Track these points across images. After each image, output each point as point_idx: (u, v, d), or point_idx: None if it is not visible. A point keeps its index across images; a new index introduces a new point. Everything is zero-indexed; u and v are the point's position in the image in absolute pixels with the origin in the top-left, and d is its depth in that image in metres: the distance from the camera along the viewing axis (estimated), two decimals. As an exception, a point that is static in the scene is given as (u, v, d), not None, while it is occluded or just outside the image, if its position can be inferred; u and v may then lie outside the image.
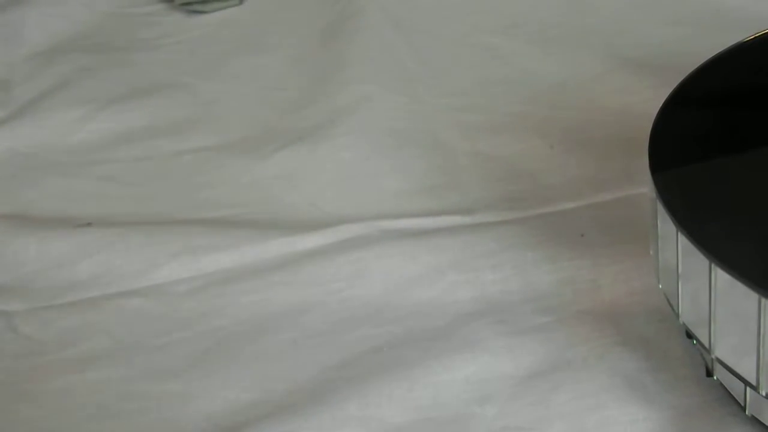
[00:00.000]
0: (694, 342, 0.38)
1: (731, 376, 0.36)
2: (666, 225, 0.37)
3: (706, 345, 0.36)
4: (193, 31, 0.65)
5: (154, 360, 0.44)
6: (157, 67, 0.62)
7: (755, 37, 0.43)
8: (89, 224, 0.50)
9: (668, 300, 0.39)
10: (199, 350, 0.44)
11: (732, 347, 0.35)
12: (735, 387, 0.38)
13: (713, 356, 0.36)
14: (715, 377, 0.39)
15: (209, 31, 0.65)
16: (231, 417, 0.41)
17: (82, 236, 0.50)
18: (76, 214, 0.52)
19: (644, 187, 0.39)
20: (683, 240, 0.35)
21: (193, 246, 0.48)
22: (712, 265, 0.34)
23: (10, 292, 0.48)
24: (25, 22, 0.65)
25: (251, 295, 0.46)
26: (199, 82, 0.61)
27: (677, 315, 0.38)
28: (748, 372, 0.35)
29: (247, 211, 0.51)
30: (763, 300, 0.33)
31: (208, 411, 0.41)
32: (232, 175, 0.54)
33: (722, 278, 0.34)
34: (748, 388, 0.36)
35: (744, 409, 0.37)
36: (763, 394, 0.35)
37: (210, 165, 0.55)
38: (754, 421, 0.37)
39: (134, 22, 0.67)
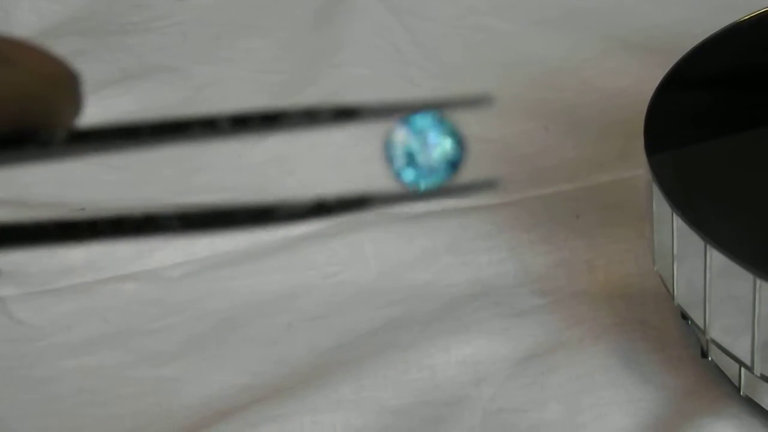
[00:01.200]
0: (690, 323, 0.38)
1: (726, 356, 0.36)
2: (661, 206, 0.37)
3: (701, 326, 0.36)
4: (185, 14, 0.65)
5: (148, 344, 0.44)
6: (149, 51, 0.62)
7: (750, 17, 0.43)
8: (82, 209, 0.50)
9: (663, 281, 0.39)
10: (194, 334, 0.44)
11: (727, 328, 0.35)
12: (730, 368, 0.38)
13: (708, 337, 0.36)
14: (710, 358, 0.39)
15: (201, 14, 0.65)
16: (226, 401, 0.41)
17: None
18: (69, 199, 0.51)
19: (640, 169, 0.39)
20: (678, 221, 0.35)
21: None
22: (708, 247, 0.34)
23: (4, 276, 0.48)
24: (16, 6, 0.65)
25: (246, 279, 0.46)
26: (191, 65, 0.60)
27: (672, 296, 0.38)
28: (743, 353, 0.35)
29: (241, 195, 0.51)
30: (758, 281, 0.33)
31: (204, 395, 0.41)
32: (226, 159, 0.53)
33: (717, 259, 0.34)
34: (742, 369, 0.36)
35: (738, 389, 0.38)
36: (758, 374, 0.35)
37: (203, 149, 0.54)
38: (749, 401, 0.38)
39: (125, 6, 0.66)
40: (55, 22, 0.65)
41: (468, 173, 0.60)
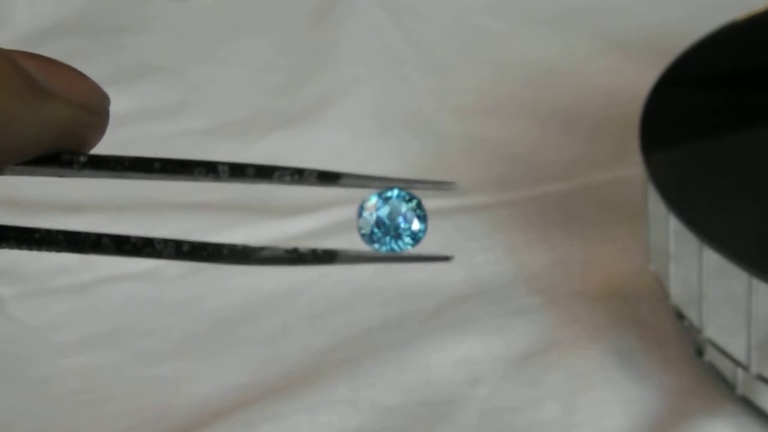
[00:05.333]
0: (685, 322, 0.38)
1: (722, 356, 0.36)
2: (657, 206, 0.37)
3: (697, 325, 0.36)
4: (182, 13, 0.65)
5: (145, 344, 0.44)
6: (145, 51, 0.62)
7: (746, 17, 0.43)
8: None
9: (659, 281, 0.39)
10: (191, 334, 0.44)
11: (722, 327, 0.35)
12: (725, 367, 0.38)
13: (704, 336, 0.36)
14: (705, 358, 0.39)
15: (198, 14, 0.65)
16: (223, 400, 0.41)
17: (72, 220, 0.49)
18: (65, 198, 0.51)
19: (635, 168, 0.39)
20: (674, 221, 0.35)
21: (183, 230, 0.48)
22: (703, 246, 0.34)
23: (0, 276, 0.48)
24: (12, 6, 0.64)
25: (242, 278, 0.46)
26: (188, 65, 0.60)
27: (668, 295, 0.38)
28: (739, 352, 0.35)
29: (237, 195, 0.51)
30: (754, 280, 0.33)
31: (200, 394, 0.41)
32: (222, 159, 0.53)
33: (713, 259, 0.34)
34: (738, 368, 0.36)
35: (734, 389, 0.38)
36: (753, 374, 0.35)
37: (200, 148, 0.54)
38: (744, 401, 0.38)
39: (122, 5, 0.66)
40: (51, 21, 0.65)
41: (464, 172, 0.59)
